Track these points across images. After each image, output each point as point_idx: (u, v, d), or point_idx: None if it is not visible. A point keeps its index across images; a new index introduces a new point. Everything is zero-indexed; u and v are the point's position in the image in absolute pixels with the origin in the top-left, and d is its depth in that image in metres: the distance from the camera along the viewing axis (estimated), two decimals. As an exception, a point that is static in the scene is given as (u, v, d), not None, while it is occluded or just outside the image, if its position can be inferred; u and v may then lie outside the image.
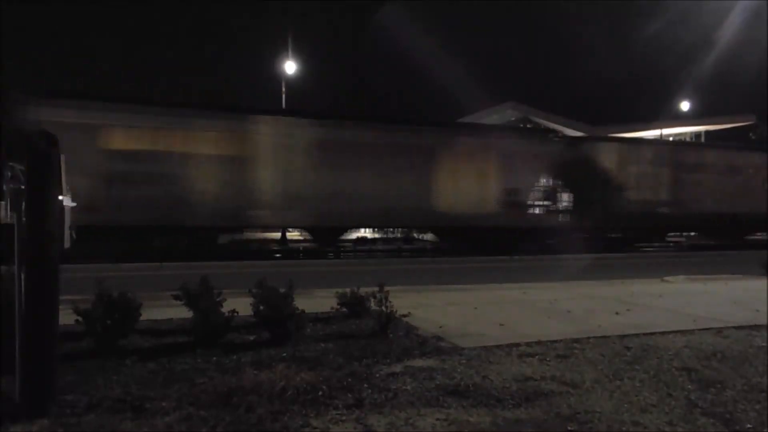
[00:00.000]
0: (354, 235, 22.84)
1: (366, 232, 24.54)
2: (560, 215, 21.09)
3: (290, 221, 18.82)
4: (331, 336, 5.56)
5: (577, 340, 5.50)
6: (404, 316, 5.91)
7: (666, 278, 11.11)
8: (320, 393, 3.81)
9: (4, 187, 3.62)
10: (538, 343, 5.39)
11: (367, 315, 6.13)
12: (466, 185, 19.15)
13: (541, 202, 20.98)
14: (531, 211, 20.78)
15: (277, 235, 22.39)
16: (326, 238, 19.42)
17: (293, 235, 22.85)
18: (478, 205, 19.25)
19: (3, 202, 3.70)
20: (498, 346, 5.24)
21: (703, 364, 4.76)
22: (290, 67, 27.31)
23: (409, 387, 4.05)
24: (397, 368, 4.52)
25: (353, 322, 6.14)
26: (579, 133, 30.74)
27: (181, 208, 15.96)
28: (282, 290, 5.43)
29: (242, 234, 20.61)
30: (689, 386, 4.16)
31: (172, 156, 16.21)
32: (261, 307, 5.34)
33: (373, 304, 5.85)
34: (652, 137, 33.64)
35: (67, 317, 4.54)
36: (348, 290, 6.47)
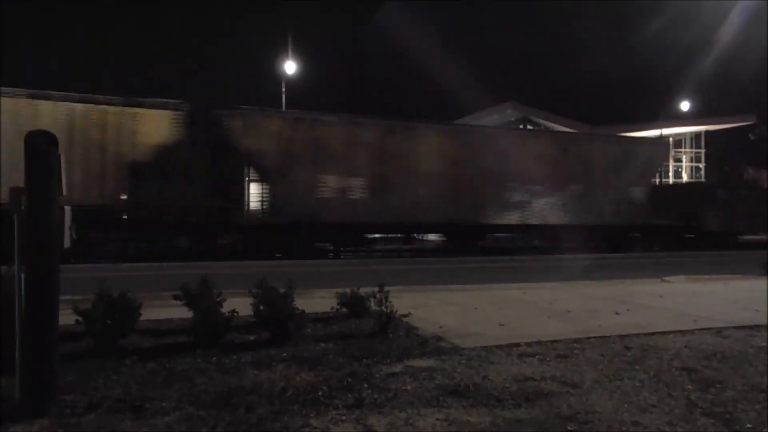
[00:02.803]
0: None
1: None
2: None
3: None
4: (331, 336, 5.56)
5: (577, 340, 5.50)
6: (404, 316, 5.91)
7: (666, 278, 11.11)
8: (320, 393, 3.81)
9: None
10: (538, 343, 5.39)
11: (367, 315, 6.12)
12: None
13: None
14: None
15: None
16: None
17: None
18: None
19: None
20: (498, 346, 5.24)
21: (703, 364, 4.76)
22: (290, 67, 27.33)
23: (409, 387, 4.05)
24: (397, 368, 4.51)
25: (353, 322, 6.14)
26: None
27: None
28: (282, 290, 5.43)
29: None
30: (689, 386, 4.16)
31: None
32: (261, 307, 5.34)
33: (373, 304, 5.85)
34: (653, 137, 33.66)
35: (67, 317, 4.54)
36: (348, 290, 6.47)
